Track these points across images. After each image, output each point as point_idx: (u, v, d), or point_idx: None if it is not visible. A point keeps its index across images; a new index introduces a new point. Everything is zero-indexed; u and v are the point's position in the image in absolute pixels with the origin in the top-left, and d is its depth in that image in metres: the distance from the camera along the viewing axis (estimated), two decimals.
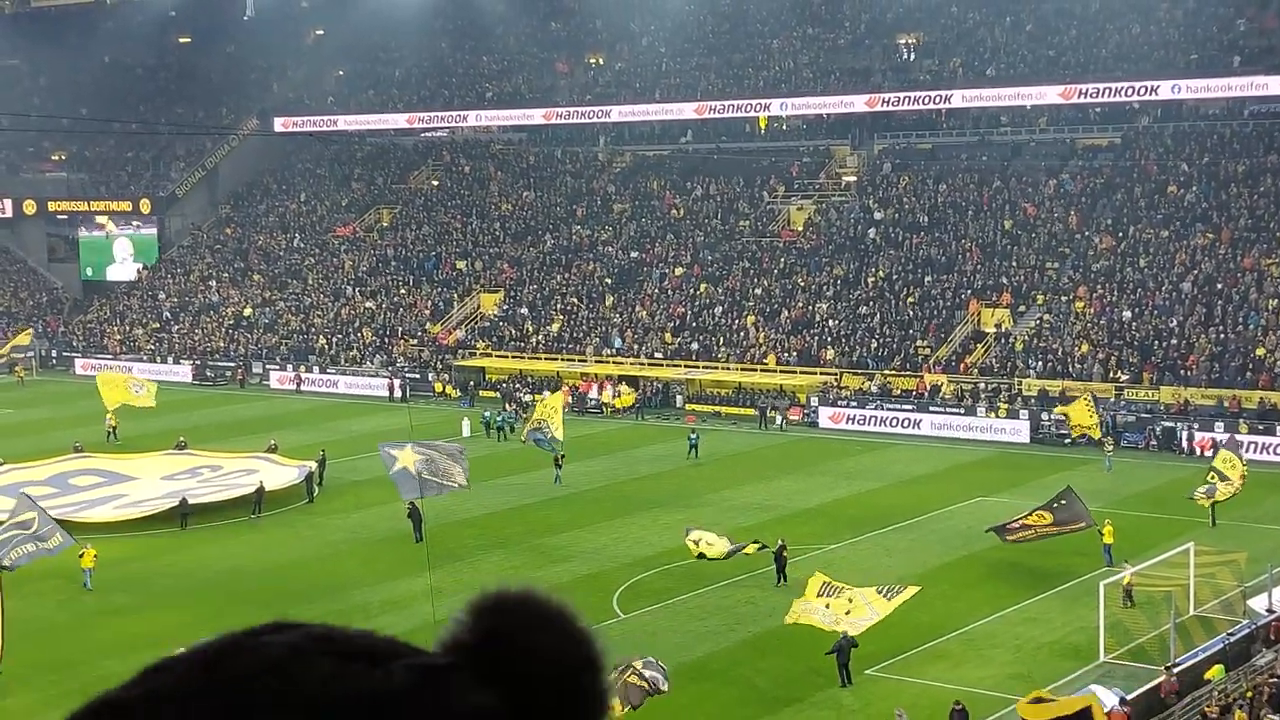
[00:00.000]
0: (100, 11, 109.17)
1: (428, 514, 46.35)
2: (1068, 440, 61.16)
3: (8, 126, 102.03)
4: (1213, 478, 46.00)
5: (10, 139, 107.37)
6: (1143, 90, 77.13)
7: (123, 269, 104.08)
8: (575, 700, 1.80)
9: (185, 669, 1.75)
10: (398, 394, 77.53)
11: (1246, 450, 56.93)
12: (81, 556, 41.78)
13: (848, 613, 33.26)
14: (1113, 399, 62.27)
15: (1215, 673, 30.72)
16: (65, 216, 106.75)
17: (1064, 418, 58.90)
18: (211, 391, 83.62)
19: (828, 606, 33.51)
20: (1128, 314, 67.62)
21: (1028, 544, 43.28)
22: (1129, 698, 28.92)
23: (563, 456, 55.23)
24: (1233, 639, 33.14)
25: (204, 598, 41.40)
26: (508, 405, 70.58)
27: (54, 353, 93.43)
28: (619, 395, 72.87)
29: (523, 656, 1.80)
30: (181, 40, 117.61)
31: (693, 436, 60.41)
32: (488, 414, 67.22)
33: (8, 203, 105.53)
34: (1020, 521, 42.05)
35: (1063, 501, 42.21)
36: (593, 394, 73.72)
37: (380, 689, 1.72)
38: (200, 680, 1.72)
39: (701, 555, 40.59)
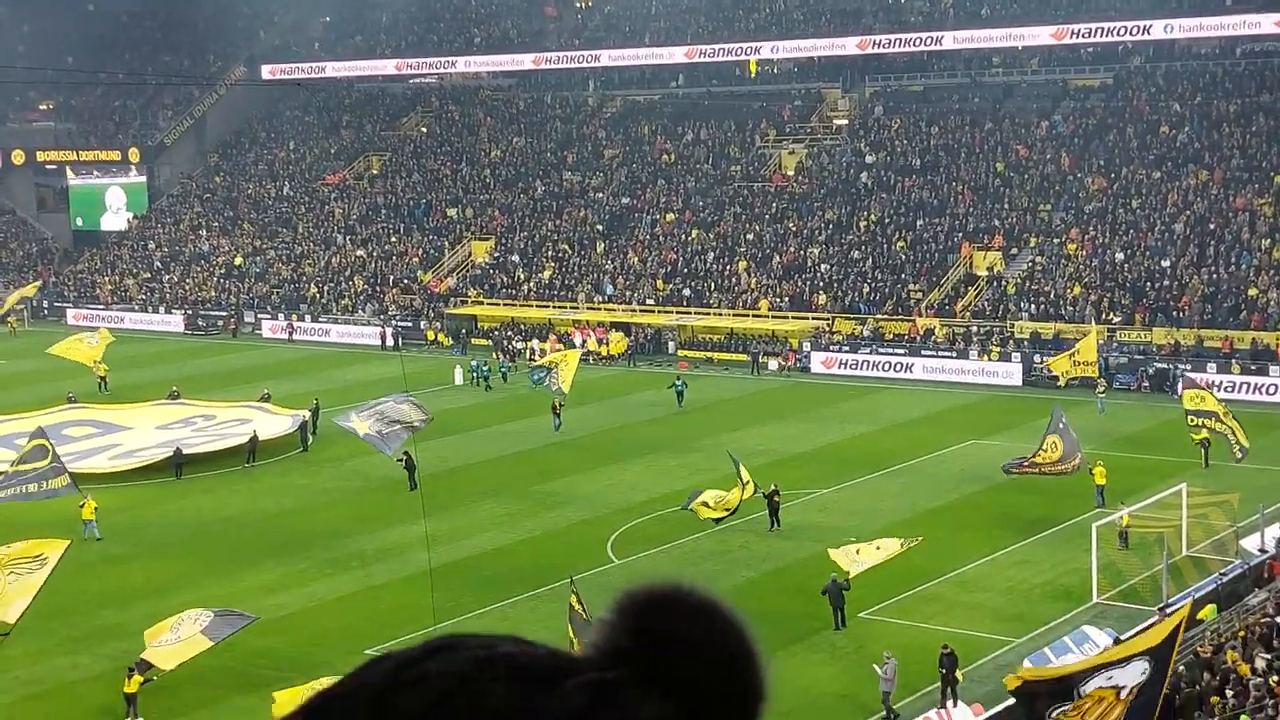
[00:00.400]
0: None
1: (422, 463, 46.42)
2: (1060, 383, 61.19)
3: None
4: (1196, 420, 45.91)
5: None
6: (1135, 30, 76.89)
7: (114, 218, 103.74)
8: (743, 693, 1.78)
9: (350, 710, 1.68)
10: (390, 342, 77.48)
11: (1239, 391, 57.41)
12: (82, 507, 41.86)
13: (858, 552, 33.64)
14: (1105, 341, 62.31)
15: (1208, 613, 30.90)
16: (54, 166, 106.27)
17: (1075, 353, 57.69)
18: (204, 341, 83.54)
19: (858, 552, 33.78)
20: (1120, 255, 67.61)
21: (1022, 485, 43.57)
22: (1122, 639, 29.05)
23: (562, 405, 55.29)
24: (1225, 579, 33.32)
25: (199, 547, 41.53)
26: (496, 354, 70.28)
27: (45, 303, 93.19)
28: (604, 344, 72.63)
29: (685, 657, 1.75)
30: None
31: (678, 384, 60.30)
32: (474, 363, 67.15)
33: None
34: (1031, 460, 42.13)
35: (1062, 424, 42.31)
36: (575, 341, 73.54)
37: (560, 713, 1.68)
38: None
39: (718, 520, 40.38)
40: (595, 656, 1.76)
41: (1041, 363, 60.58)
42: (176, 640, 29.61)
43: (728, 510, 39.87)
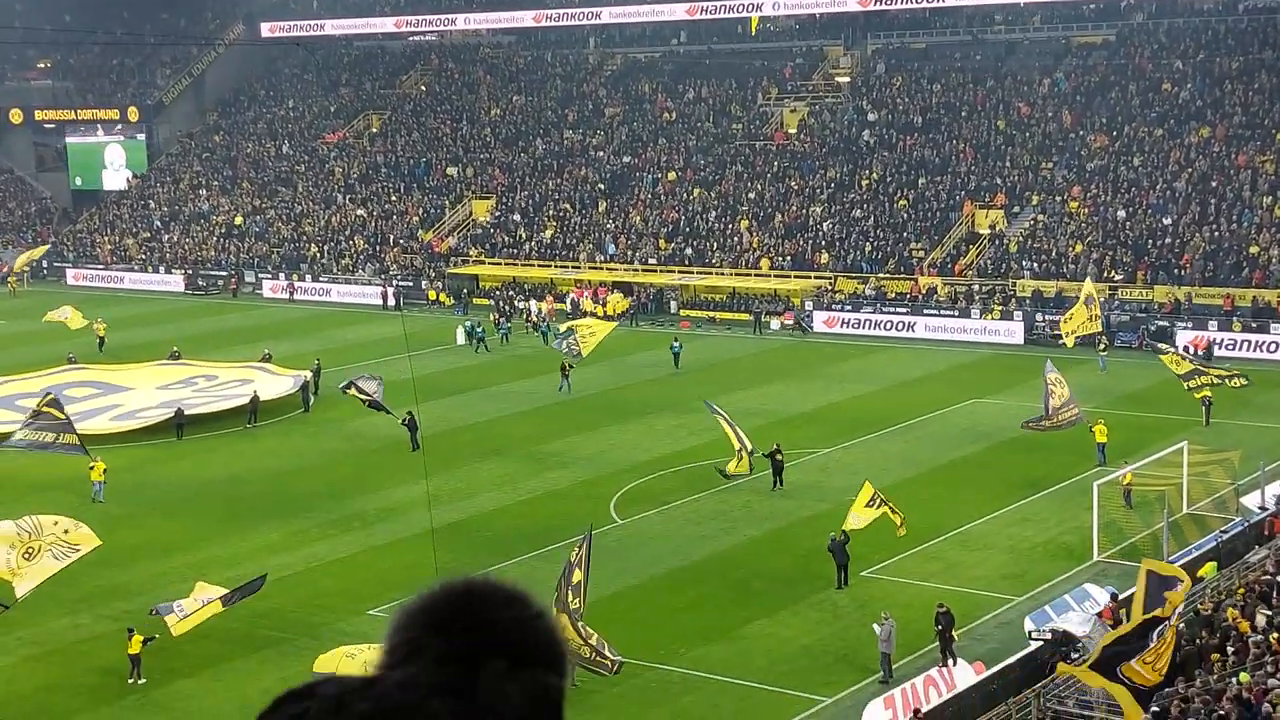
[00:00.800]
0: None
1: (423, 423, 46.45)
2: (1061, 341, 61.15)
3: None
4: (1194, 382, 46.08)
5: None
6: None
7: (114, 177, 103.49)
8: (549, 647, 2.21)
9: None
10: (391, 302, 77.41)
11: (1241, 349, 57.45)
12: (91, 469, 41.91)
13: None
14: (1106, 298, 62.20)
15: (1208, 570, 30.94)
16: (52, 125, 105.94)
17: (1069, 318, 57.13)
18: (204, 301, 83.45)
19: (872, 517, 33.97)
20: (1122, 213, 67.44)
21: (1023, 443, 43.69)
22: (1122, 596, 29.13)
23: (572, 368, 55.25)
24: (1225, 537, 33.36)
25: (201, 508, 41.56)
26: (494, 315, 69.83)
27: (45, 264, 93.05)
28: (602, 304, 72.45)
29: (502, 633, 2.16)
30: None
31: (675, 345, 60.09)
32: (469, 324, 66.89)
33: None
34: (1050, 420, 42.29)
35: (1052, 375, 42.70)
36: (569, 301, 73.37)
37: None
38: None
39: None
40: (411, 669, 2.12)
41: (1059, 339, 59.72)
42: (185, 614, 29.70)
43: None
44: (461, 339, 65.91)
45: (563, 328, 57.58)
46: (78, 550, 32.86)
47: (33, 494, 43.16)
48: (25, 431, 41.72)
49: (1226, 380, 45.95)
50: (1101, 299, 58.27)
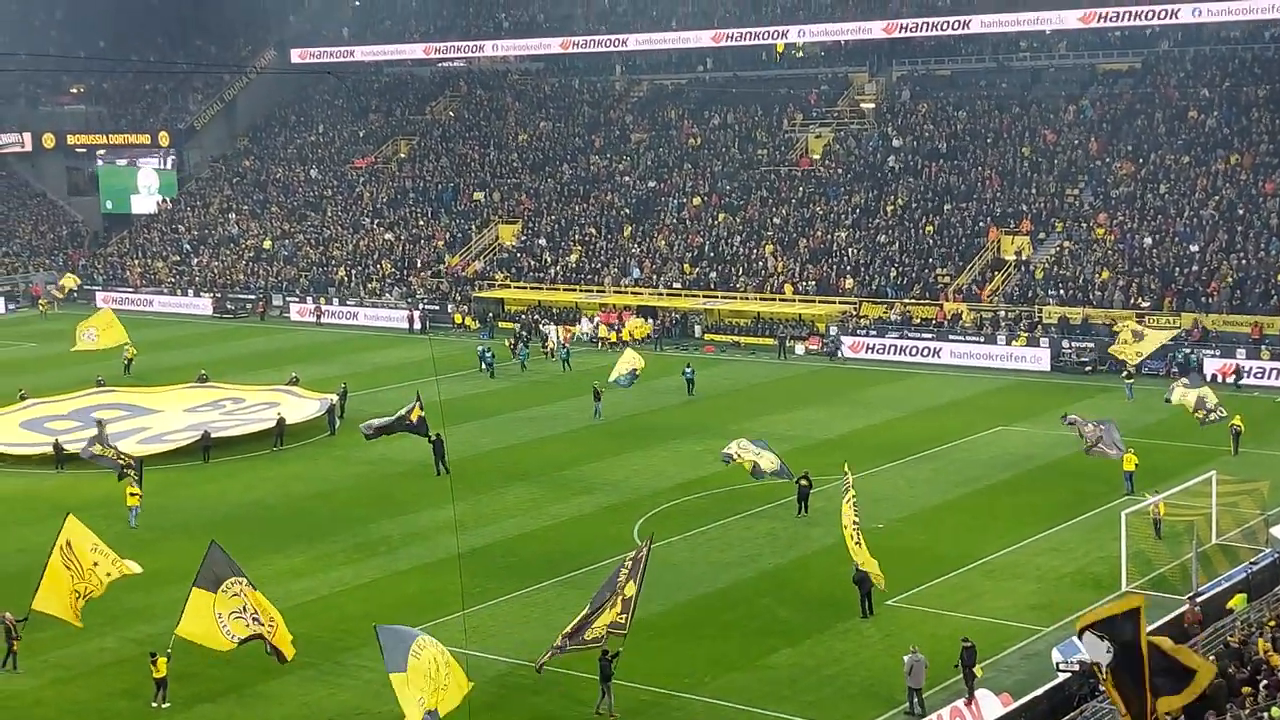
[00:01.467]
0: None
1: (449, 447, 46.53)
2: (1089, 368, 61.11)
3: (27, 59, 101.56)
4: (1212, 415, 46.19)
5: (29, 72, 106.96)
6: (1163, 14, 76.32)
7: (144, 201, 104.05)
8: None
9: None
10: (418, 326, 77.65)
11: (1269, 377, 57.25)
12: (131, 495, 42.30)
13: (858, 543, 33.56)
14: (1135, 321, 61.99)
15: (1238, 602, 30.71)
16: (84, 150, 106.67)
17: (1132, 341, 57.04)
18: (232, 324, 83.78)
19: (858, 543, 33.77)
20: (1148, 240, 67.25)
21: (1051, 472, 43.60)
22: (1151, 628, 28.90)
23: (602, 391, 55.54)
24: (1255, 568, 33.13)
25: (227, 531, 41.44)
26: (508, 341, 69.31)
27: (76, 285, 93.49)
28: (617, 329, 71.98)
29: None
30: None
31: (688, 371, 59.88)
32: (480, 349, 66.53)
33: (27, 136, 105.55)
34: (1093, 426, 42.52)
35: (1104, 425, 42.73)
36: (584, 328, 73.10)
37: None
38: None
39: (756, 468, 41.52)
40: None
41: (1086, 367, 59.38)
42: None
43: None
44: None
45: (626, 368, 57.37)
46: (110, 578, 33.01)
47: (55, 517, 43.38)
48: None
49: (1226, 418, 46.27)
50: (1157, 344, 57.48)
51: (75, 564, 32.25)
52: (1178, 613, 30.02)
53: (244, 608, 29.47)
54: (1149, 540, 37.25)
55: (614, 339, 70.83)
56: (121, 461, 43.88)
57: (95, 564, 32.54)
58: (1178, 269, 65.12)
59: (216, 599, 29.43)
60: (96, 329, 67.86)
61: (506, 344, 68.69)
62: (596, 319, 73.63)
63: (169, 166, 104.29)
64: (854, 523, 33.49)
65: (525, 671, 30.24)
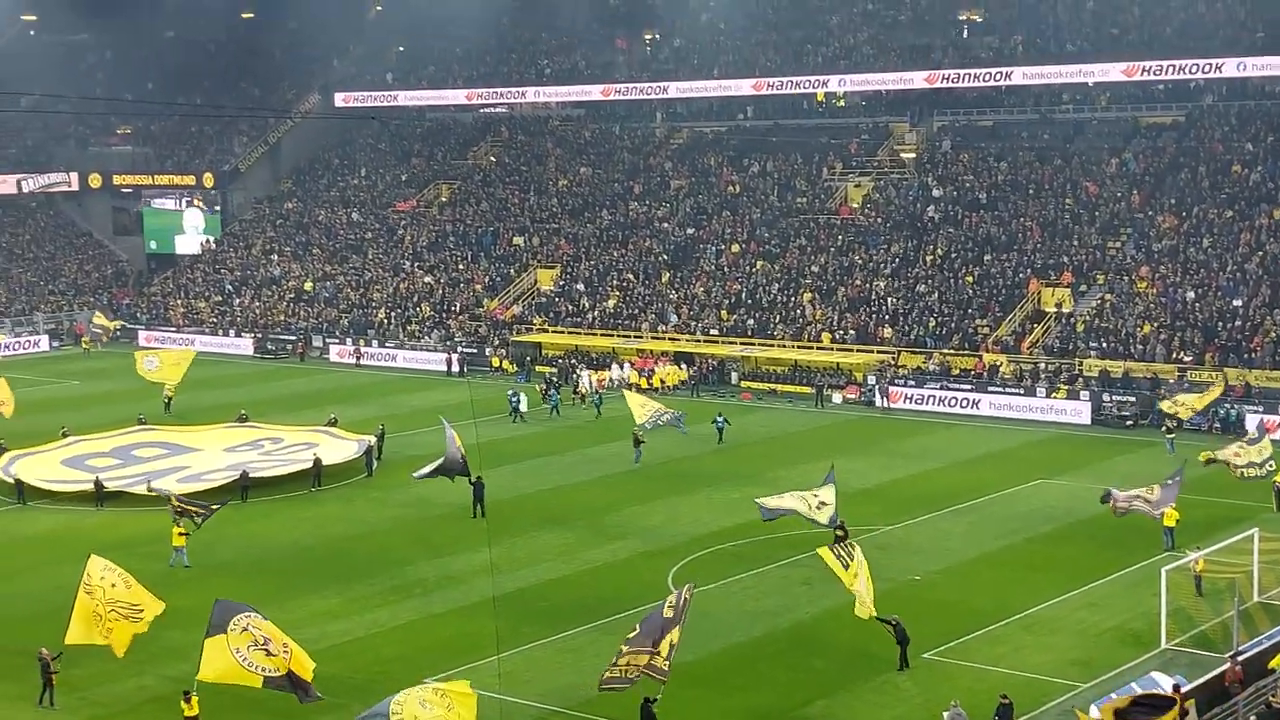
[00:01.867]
0: None
1: (486, 489, 46.63)
2: (1129, 422, 60.79)
3: (75, 100, 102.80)
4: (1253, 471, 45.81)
5: (77, 114, 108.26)
6: (1207, 68, 76.21)
7: (188, 241, 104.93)
8: None
9: None
10: (456, 369, 77.90)
11: None
12: (179, 535, 42.43)
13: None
14: (1174, 380, 61.70)
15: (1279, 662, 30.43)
16: (130, 190, 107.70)
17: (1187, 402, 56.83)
18: (272, 365, 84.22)
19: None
20: (1191, 294, 66.95)
21: (1091, 526, 43.27)
22: (1190, 686, 28.70)
23: (644, 441, 55.61)
24: None
25: (263, 571, 41.77)
26: (539, 387, 69.08)
27: (119, 324, 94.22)
28: (647, 375, 71.61)
29: None
30: (245, 16, 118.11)
31: (719, 420, 59.42)
32: (509, 393, 66.21)
33: (74, 176, 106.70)
34: (1133, 493, 41.98)
35: (1172, 480, 42.28)
36: (614, 374, 72.37)
37: None
38: None
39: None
40: None
41: (1165, 431, 58.65)
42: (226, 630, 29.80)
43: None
44: (524, 405, 66.11)
45: (647, 412, 57.23)
46: (140, 614, 33.11)
47: (80, 559, 43.61)
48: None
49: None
50: (1169, 380, 57.51)
51: (98, 594, 32.52)
52: (1219, 671, 29.75)
53: (255, 641, 29.42)
54: (1190, 597, 36.92)
55: (643, 384, 70.64)
56: (201, 511, 43.62)
57: (114, 597, 32.75)
58: (1220, 323, 64.78)
59: (229, 638, 29.39)
60: (160, 361, 68.42)
61: (538, 389, 68.64)
62: (627, 365, 73.54)
63: (213, 211, 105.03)
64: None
65: (557, 717, 30.15)
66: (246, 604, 30.40)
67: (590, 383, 68.98)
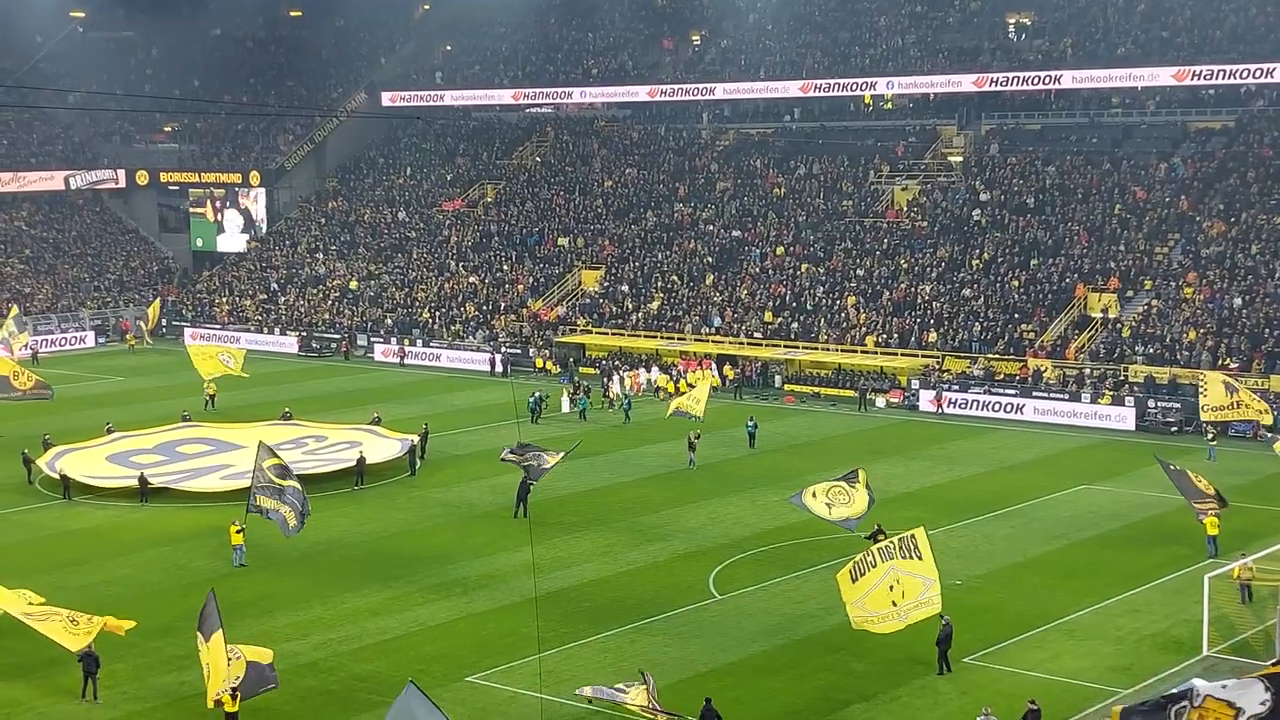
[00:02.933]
0: None
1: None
2: (1174, 428, 60.38)
3: (122, 98, 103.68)
4: None
5: (123, 111, 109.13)
6: (1258, 73, 75.63)
7: (232, 240, 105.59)
8: None
9: None
10: (499, 369, 78.07)
11: None
12: (237, 533, 42.38)
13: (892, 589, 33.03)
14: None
15: None
16: (176, 187, 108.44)
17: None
18: (316, 363, 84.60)
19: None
20: (1238, 301, 66.43)
21: (1134, 533, 43.02)
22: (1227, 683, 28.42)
23: (698, 437, 55.71)
24: None
25: (306, 568, 41.97)
26: (571, 390, 68.16)
27: (164, 321, 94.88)
28: (678, 378, 70.79)
29: None
30: (292, 14, 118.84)
31: (750, 424, 59.18)
32: (533, 395, 65.97)
33: (121, 173, 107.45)
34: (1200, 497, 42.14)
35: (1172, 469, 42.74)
36: (643, 378, 71.35)
37: None
38: None
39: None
40: None
41: (1209, 438, 58.18)
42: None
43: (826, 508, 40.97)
44: (566, 407, 66.22)
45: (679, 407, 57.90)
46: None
47: (145, 549, 43.99)
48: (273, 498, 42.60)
49: None
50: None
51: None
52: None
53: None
54: (1232, 604, 36.65)
55: (671, 389, 69.97)
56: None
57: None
58: (1267, 330, 64.26)
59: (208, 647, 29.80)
60: (233, 357, 69.03)
61: (566, 390, 68.35)
62: (656, 369, 72.85)
63: (259, 217, 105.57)
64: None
65: (597, 717, 30.19)
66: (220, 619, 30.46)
67: (622, 386, 68.05)
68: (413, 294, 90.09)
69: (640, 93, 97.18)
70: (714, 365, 73.49)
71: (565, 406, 66.20)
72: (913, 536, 33.28)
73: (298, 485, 43.01)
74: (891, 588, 32.91)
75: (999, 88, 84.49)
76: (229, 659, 29.49)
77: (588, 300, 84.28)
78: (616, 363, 75.39)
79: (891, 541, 33.62)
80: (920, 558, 32.83)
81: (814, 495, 41.64)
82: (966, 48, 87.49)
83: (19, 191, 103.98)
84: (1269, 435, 55.87)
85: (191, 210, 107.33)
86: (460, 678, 32.86)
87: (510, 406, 64.40)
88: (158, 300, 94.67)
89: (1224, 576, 36.70)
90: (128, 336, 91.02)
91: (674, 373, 72.56)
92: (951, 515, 47.04)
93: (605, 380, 70.12)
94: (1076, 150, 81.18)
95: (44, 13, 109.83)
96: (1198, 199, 73.85)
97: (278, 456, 44.21)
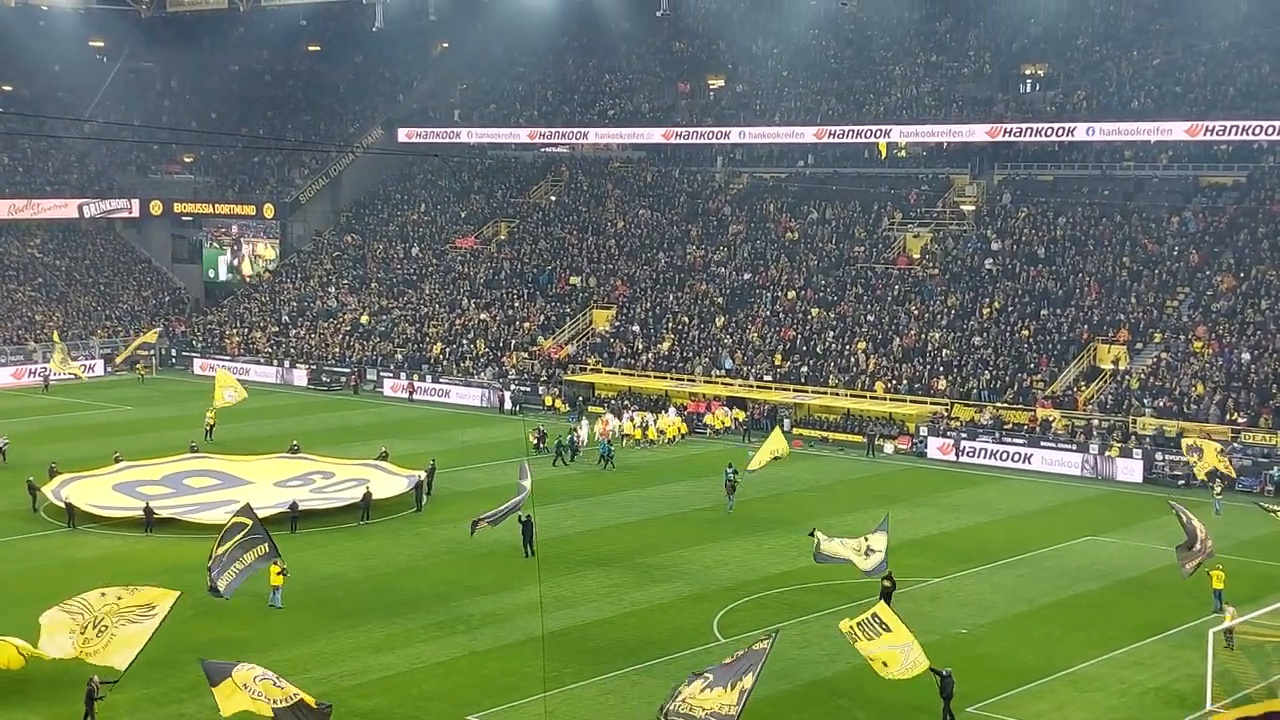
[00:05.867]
0: (232, 19, 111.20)
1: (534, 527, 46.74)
2: (1182, 481, 60.29)
3: (139, 128, 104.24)
4: None
5: (140, 141, 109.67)
6: (1270, 129, 75.75)
7: (246, 271, 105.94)
8: None
9: None
10: (509, 406, 78.16)
11: None
12: (278, 575, 41.40)
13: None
14: (1229, 442, 61.15)
15: None
16: (190, 218, 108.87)
17: (1199, 451, 56.69)
18: (326, 396, 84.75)
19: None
20: (1247, 356, 66.44)
21: (1140, 585, 42.91)
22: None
23: (734, 474, 55.60)
24: None
25: (309, 602, 41.92)
26: (534, 437, 66.59)
27: (174, 352, 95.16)
28: (643, 428, 69.04)
29: None
30: (310, 49, 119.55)
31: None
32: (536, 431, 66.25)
33: (135, 203, 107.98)
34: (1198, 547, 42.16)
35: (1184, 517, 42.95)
36: (612, 426, 68.37)
37: None
38: None
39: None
40: None
41: (1163, 460, 59.12)
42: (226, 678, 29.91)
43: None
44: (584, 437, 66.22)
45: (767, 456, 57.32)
46: (154, 609, 33.32)
47: (150, 578, 43.95)
48: (228, 572, 40.10)
49: None
50: (1223, 440, 57.22)
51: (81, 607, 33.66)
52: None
53: (259, 674, 29.56)
54: (1235, 659, 36.55)
55: (638, 436, 68.22)
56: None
57: (102, 594, 33.95)
58: (1275, 386, 64.22)
59: (235, 679, 29.46)
60: (235, 391, 69.19)
61: (530, 438, 66.41)
62: (626, 416, 70.65)
63: (274, 252, 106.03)
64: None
65: None
66: (231, 661, 30.46)
67: (588, 432, 66.38)
68: (424, 329, 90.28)
69: (655, 134, 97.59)
70: (725, 406, 73.51)
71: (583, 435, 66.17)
72: (875, 615, 32.79)
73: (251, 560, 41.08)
74: (883, 664, 32.59)
75: (1012, 138, 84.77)
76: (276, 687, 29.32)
77: (598, 339, 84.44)
78: (627, 402, 75.41)
79: (854, 628, 32.87)
80: (889, 630, 32.25)
81: (843, 544, 41.66)
82: (980, 98, 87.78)
83: (33, 218, 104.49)
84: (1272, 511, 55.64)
85: (209, 244, 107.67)
86: (461, 716, 32.80)
87: (518, 444, 64.43)
88: (154, 331, 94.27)
89: (1223, 626, 36.54)
90: (137, 366, 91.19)
91: (645, 419, 70.01)
92: (958, 563, 46.97)
93: (572, 426, 67.91)
94: (1088, 202, 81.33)
95: (64, 41, 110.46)
96: (1208, 253, 73.93)
97: (251, 517, 42.71)
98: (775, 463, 57.47)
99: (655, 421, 70.27)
